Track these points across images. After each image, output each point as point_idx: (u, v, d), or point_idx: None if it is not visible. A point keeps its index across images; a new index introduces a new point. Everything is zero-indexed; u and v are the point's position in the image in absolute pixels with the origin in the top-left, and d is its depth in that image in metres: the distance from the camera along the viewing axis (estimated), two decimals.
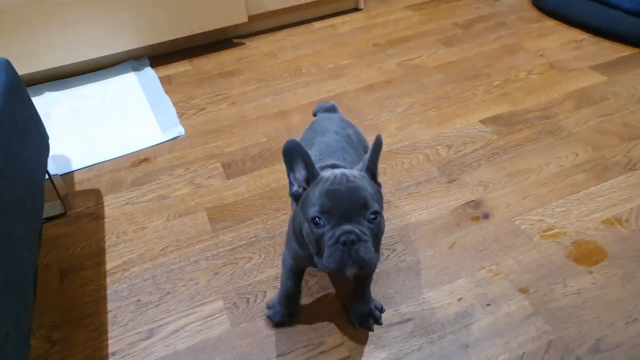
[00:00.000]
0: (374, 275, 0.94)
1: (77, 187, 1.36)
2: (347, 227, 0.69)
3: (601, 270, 0.98)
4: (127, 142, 1.51)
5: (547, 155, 1.28)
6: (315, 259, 0.73)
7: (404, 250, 1.07)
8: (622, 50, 1.69)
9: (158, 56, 2.04)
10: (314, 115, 1.15)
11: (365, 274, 0.87)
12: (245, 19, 1.98)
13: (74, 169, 1.43)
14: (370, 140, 0.83)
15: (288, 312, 0.94)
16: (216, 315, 0.97)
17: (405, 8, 2.23)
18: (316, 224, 0.70)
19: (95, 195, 1.32)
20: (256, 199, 1.25)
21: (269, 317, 0.95)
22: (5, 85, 0.97)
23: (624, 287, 0.94)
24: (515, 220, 1.11)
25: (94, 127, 1.61)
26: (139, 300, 1.02)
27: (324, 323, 0.94)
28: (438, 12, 2.15)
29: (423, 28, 2.02)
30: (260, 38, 2.11)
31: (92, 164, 1.44)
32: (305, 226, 0.74)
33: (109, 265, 1.11)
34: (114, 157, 1.46)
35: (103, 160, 1.45)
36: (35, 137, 1.07)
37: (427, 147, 1.36)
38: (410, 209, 1.17)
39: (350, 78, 1.74)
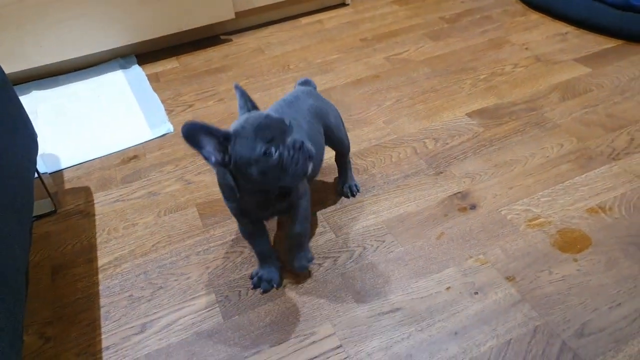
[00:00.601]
0: (365, 266, 0.96)
1: (67, 185, 1.36)
2: (292, 138, 0.81)
3: (586, 257, 1.00)
4: (116, 139, 1.51)
5: (533, 146, 1.30)
6: (284, 181, 0.83)
7: (392, 242, 1.08)
8: (605, 43, 1.72)
9: (145, 54, 2.03)
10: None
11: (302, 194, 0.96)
12: (232, 16, 1.98)
13: (63, 167, 1.42)
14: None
15: (270, 277, 1.00)
16: (208, 309, 0.98)
17: (392, 3, 2.24)
18: (269, 154, 0.79)
19: (85, 193, 1.32)
20: None
21: (257, 287, 1.00)
22: None
23: (607, 273, 0.96)
24: (501, 210, 1.13)
25: (83, 125, 1.61)
26: (131, 296, 1.03)
27: (314, 314, 0.95)
28: (424, 7, 2.16)
29: (410, 22, 2.04)
30: (247, 34, 2.11)
31: (81, 162, 1.44)
32: (256, 167, 0.80)
33: (100, 262, 1.11)
34: (103, 154, 1.46)
35: (92, 158, 1.45)
36: (23, 135, 1.07)
37: (414, 141, 1.38)
38: (399, 201, 1.18)
39: (338, 73, 1.75)
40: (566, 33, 1.82)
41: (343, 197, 1.22)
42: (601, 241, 1.03)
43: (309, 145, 0.83)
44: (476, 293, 0.95)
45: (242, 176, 0.83)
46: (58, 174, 1.40)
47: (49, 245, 1.17)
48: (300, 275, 1.03)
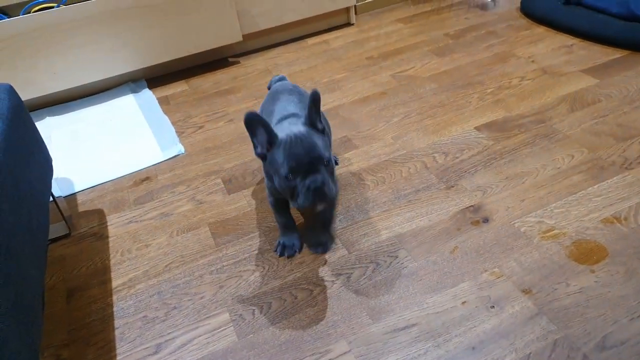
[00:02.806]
0: (368, 267, 0.95)
1: (81, 208, 1.37)
2: (312, 177, 0.89)
3: (603, 268, 0.99)
4: (128, 162, 1.53)
5: (544, 158, 1.30)
6: (291, 202, 0.94)
7: (406, 257, 1.08)
8: (612, 53, 1.73)
9: (155, 78, 2.07)
10: (268, 88, 1.29)
11: (330, 206, 1.12)
12: (240, 38, 2.02)
13: (77, 190, 1.44)
14: None
15: (292, 243, 1.11)
16: (222, 328, 0.98)
17: (396, 21, 2.27)
18: (288, 179, 0.90)
19: (99, 215, 1.34)
20: (257, 212, 1.27)
21: (282, 255, 1.11)
22: (9, 110, 0.99)
23: (626, 284, 0.95)
24: (514, 222, 1.12)
25: (95, 149, 1.63)
26: (145, 316, 1.03)
27: (329, 331, 0.94)
28: (429, 24, 2.19)
29: (415, 40, 2.06)
30: (255, 56, 2.15)
31: (94, 184, 1.45)
32: (277, 179, 0.93)
33: (114, 283, 1.12)
34: (115, 177, 1.48)
35: (105, 180, 1.47)
36: (39, 159, 1.09)
37: (424, 155, 1.38)
38: (411, 216, 1.18)
39: (345, 91, 1.77)
40: (572, 45, 1.83)
41: (354, 212, 1.22)
42: (618, 252, 1.01)
43: (328, 188, 0.90)
44: (492, 307, 0.94)
45: (271, 173, 0.96)
46: (72, 197, 1.42)
47: (64, 268, 1.18)
48: (317, 282, 1.02)
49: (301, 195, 0.90)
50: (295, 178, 0.90)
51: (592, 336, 0.86)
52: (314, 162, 0.89)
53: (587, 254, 1.02)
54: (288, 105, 1.10)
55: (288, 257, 1.11)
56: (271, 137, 0.92)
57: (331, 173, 0.93)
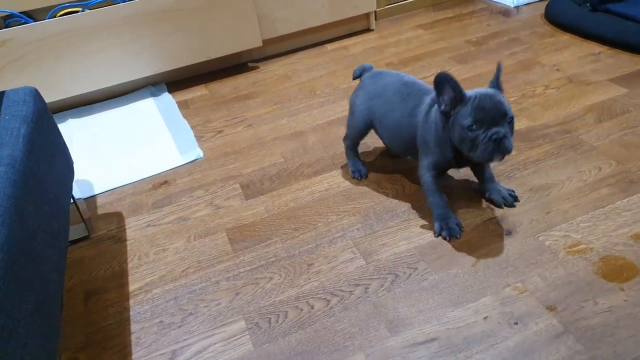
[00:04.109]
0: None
1: (100, 211, 1.38)
2: (495, 129, 0.96)
3: (633, 286, 0.95)
4: (147, 165, 1.54)
5: (569, 169, 1.27)
6: (470, 154, 1.00)
7: (425, 269, 1.05)
8: None
9: (175, 82, 2.08)
10: (357, 78, 1.35)
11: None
12: (260, 44, 2.02)
13: (96, 192, 1.45)
14: None
15: (456, 223, 1.13)
16: (238, 336, 0.97)
17: (417, 27, 2.25)
18: (472, 130, 0.97)
19: (118, 218, 1.34)
20: (275, 219, 1.26)
21: (452, 236, 1.11)
22: (34, 113, 0.99)
23: None
24: (539, 236, 1.09)
25: (115, 151, 1.64)
26: (161, 322, 1.02)
27: (346, 343, 0.92)
28: (450, 30, 2.16)
29: (435, 46, 2.03)
30: (274, 61, 2.14)
31: (114, 187, 1.46)
32: (459, 132, 1.00)
33: (131, 287, 1.12)
34: (135, 180, 1.48)
35: (124, 183, 1.47)
36: (61, 162, 1.10)
37: None
38: (431, 227, 1.16)
39: None
40: (599, 53, 1.79)
41: (372, 222, 1.20)
42: None
43: (508, 141, 0.96)
44: (516, 323, 0.91)
45: (451, 132, 1.03)
46: (91, 200, 1.43)
47: (82, 270, 1.18)
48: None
49: (481, 145, 0.96)
50: (478, 129, 0.96)
51: (622, 358, 0.83)
52: (500, 116, 0.96)
53: (616, 270, 0.99)
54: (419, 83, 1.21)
55: (459, 237, 1.12)
56: (458, 96, 0.99)
57: (512, 132, 0.99)
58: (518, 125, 1.47)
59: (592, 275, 0.98)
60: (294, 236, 1.19)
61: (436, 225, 1.14)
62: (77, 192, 1.44)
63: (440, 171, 1.14)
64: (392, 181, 1.33)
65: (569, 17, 1.97)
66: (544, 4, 2.19)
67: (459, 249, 1.09)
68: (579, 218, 1.12)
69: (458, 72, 1.81)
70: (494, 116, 0.96)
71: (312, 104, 1.77)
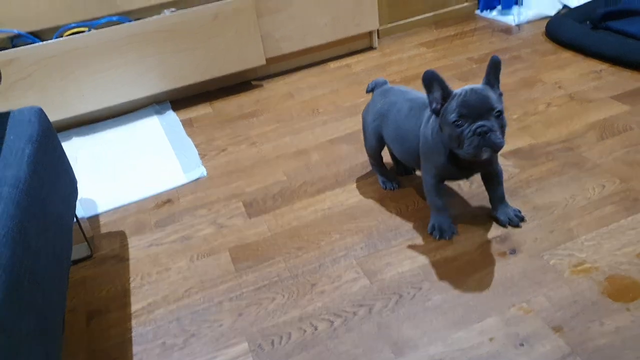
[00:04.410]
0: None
1: (103, 230, 1.38)
2: (479, 122, 0.94)
3: None
4: (151, 184, 1.54)
5: (573, 187, 1.26)
6: (458, 151, 0.99)
7: (430, 289, 1.05)
8: None
9: (180, 100, 2.10)
10: (370, 91, 1.36)
11: (493, 161, 1.12)
12: (264, 62, 2.04)
13: (100, 211, 1.45)
14: None
15: (449, 224, 1.15)
16: (241, 358, 0.96)
17: (419, 45, 2.27)
18: (457, 125, 0.96)
19: (121, 237, 1.34)
20: (278, 238, 1.25)
21: (442, 237, 1.15)
22: (38, 133, 1.00)
23: None
24: (543, 255, 1.08)
25: (119, 170, 1.65)
26: (164, 343, 1.02)
27: None
28: (452, 48, 2.18)
29: (438, 64, 2.05)
30: (277, 80, 2.16)
31: (117, 206, 1.47)
32: (447, 130, 0.99)
33: (134, 308, 1.11)
34: (138, 199, 1.49)
35: (128, 202, 1.48)
36: (65, 181, 1.10)
37: (449, 182, 1.35)
38: (436, 246, 1.15)
39: None
40: (601, 70, 1.79)
41: (376, 241, 1.19)
42: None
43: (494, 135, 0.94)
44: (522, 344, 0.90)
45: (442, 130, 1.02)
46: (95, 219, 1.43)
47: (85, 290, 1.18)
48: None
49: (466, 140, 0.95)
50: (463, 124, 0.95)
51: None
52: (485, 110, 0.95)
53: (622, 290, 0.98)
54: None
55: (449, 239, 1.15)
56: (446, 93, 0.99)
57: (501, 126, 0.97)
58: (520, 143, 1.47)
59: (597, 295, 0.97)
60: (297, 255, 1.19)
61: (430, 224, 1.17)
62: (81, 210, 1.44)
63: (441, 178, 1.14)
64: (396, 199, 1.33)
65: (570, 35, 1.99)
66: (545, 22, 2.21)
67: (463, 268, 1.08)
68: (584, 237, 1.11)
69: None
70: (480, 110, 0.95)
71: (315, 122, 1.78)
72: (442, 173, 1.12)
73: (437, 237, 1.16)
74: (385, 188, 1.37)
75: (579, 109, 1.59)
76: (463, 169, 1.09)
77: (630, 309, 0.93)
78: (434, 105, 1.02)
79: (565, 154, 1.39)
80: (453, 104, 0.97)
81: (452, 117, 0.96)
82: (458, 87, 1.80)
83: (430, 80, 1.00)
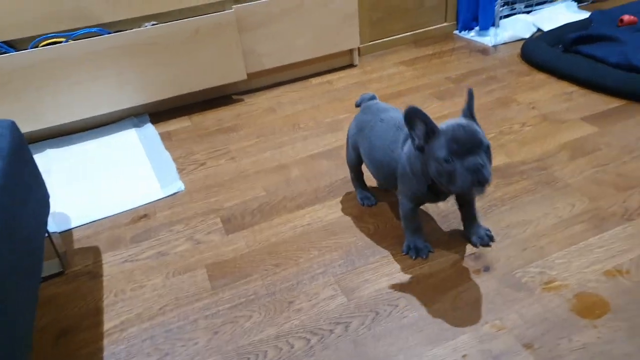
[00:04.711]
0: None
1: (76, 245, 1.36)
2: (472, 158, 0.94)
3: (606, 323, 0.96)
4: (127, 198, 1.53)
5: (545, 206, 1.29)
6: (448, 187, 0.98)
7: (406, 306, 1.05)
8: (610, 102, 1.75)
9: (158, 113, 2.09)
10: (358, 105, 1.37)
11: (472, 199, 1.17)
12: (245, 77, 2.05)
13: (73, 226, 1.43)
14: None
15: (424, 245, 1.17)
16: None
17: (399, 64, 2.31)
18: (447, 161, 0.95)
19: (94, 253, 1.32)
20: (256, 255, 1.25)
21: (419, 256, 1.17)
22: (9, 147, 0.99)
23: (630, 341, 0.92)
24: (516, 273, 1.10)
25: (94, 183, 1.63)
26: None
27: None
28: (430, 67, 2.23)
29: (417, 83, 2.09)
30: (259, 94, 2.17)
31: (91, 220, 1.44)
32: (435, 166, 0.98)
33: (106, 326, 1.09)
34: (113, 213, 1.46)
35: (103, 217, 1.45)
36: (36, 197, 1.08)
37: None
38: (412, 263, 1.16)
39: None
40: (572, 92, 1.85)
41: (354, 257, 1.20)
42: (621, 306, 0.99)
43: (486, 171, 0.94)
44: None
45: (427, 166, 1.01)
46: (68, 233, 1.41)
47: (55, 308, 1.15)
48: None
49: (459, 176, 0.94)
50: (454, 160, 0.94)
51: None
52: (475, 146, 0.94)
53: (589, 307, 1.00)
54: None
55: (425, 258, 1.16)
56: (430, 129, 0.98)
57: (490, 161, 0.97)
58: (496, 161, 1.50)
59: (567, 312, 1.00)
60: (274, 272, 1.18)
61: (405, 245, 1.19)
62: (53, 225, 1.41)
63: (419, 203, 1.15)
64: (374, 215, 1.34)
65: (543, 57, 2.05)
66: (520, 44, 2.28)
67: (438, 285, 1.10)
68: (555, 254, 1.14)
69: (438, 109, 1.85)
70: (470, 146, 0.95)
71: (296, 137, 1.79)
72: (420, 199, 1.12)
73: (414, 257, 1.17)
74: (363, 204, 1.38)
75: (551, 129, 1.63)
76: (442, 194, 1.10)
77: (597, 326, 0.96)
78: (416, 142, 1.01)
79: (538, 173, 1.43)
80: (441, 140, 0.96)
81: (442, 153, 0.95)
82: (437, 107, 1.86)
83: (413, 117, 0.98)
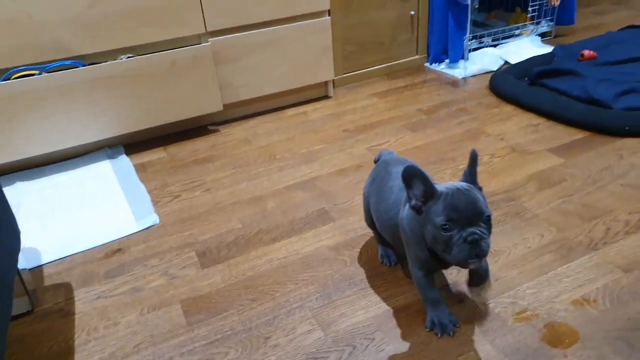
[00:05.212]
0: None
1: (47, 282, 1.32)
2: (471, 229, 0.89)
3: (575, 352, 0.99)
4: (100, 232, 1.50)
5: (515, 236, 1.33)
6: (444, 255, 0.92)
7: (382, 339, 1.06)
8: (574, 134, 1.83)
9: (133, 144, 2.08)
10: (376, 162, 1.31)
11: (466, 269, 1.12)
12: (221, 108, 2.06)
13: (44, 262, 1.40)
14: None
15: (449, 319, 1.07)
16: None
17: (372, 95, 2.37)
18: (445, 229, 0.89)
19: (66, 290, 1.29)
20: (231, 289, 1.24)
21: (447, 333, 1.05)
22: None
23: None
24: (488, 303, 1.13)
25: (67, 217, 1.60)
26: None
27: None
28: (402, 99, 2.29)
29: (389, 114, 2.14)
30: (234, 125, 2.19)
31: (63, 256, 1.41)
32: (432, 231, 0.92)
33: None
34: (86, 248, 1.44)
35: (75, 252, 1.43)
36: (6, 233, 1.06)
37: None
38: (387, 295, 1.18)
39: (323, 163, 1.80)
40: (538, 124, 1.93)
41: (331, 291, 1.21)
42: (589, 335, 1.03)
43: (485, 243, 0.89)
44: None
45: (423, 227, 0.96)
46: (38, 270, 1.37)
47: (22, 350, 1.12)
48: None
49: (456, 247, 0.89)
50: (452, 229, 0.89)
51: None
52: (475, 215, 0.89)
53: (559, 337, 1.03)
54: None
55: (452, 335, 1.06)
56: (429, 190, 0.93)
57: (489, 232, 0.92)
58: None
59: (538, 342, 1.02)
60: (251, 307, 1.18)
61: (428, 320, 1.08)
62: (23, 261, 1.38)
63: (427, 270, 1.05)
64: (351, 247, 1.35)
65: (510, 90, 2.14)
66: (488, 76, 2.37)
67: (414, 317, 1.11)
68: (525, 284, 1.17)
69: (410, 140, 1.90)
70: (469, 215, 0.89)
71: (272, 168, 1.80)
72: (428, 266, 1.04)
73: (440, 334, 1.06)
74: (382, 262, 1.28)
75: (519, 161, 1.70)
76: (443, 262, 1.01)
77: (567, 355, 0.98)
78: (413, 202, 0.96)
79: (507, 203, 1.48)
80: (440, 206, 0.91)
81: (440, 220, 0.90)
82: (409, 138, 1.91)
83: (411, 177, 0.93)
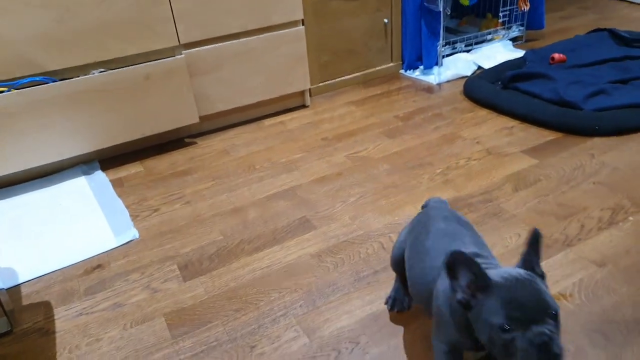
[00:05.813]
0: None
1: (25, 301, 1.29)
2: (538, 329, 0.71)
3: None
4: (78, 249, 1.48)
5: (493, 237, 1.36)
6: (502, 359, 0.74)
7: (367, 342, 1.07)
8: (547, 135, 1.88)
9: (109, 159, 2.05)
10: (423, 207, 1.15)
11: None
12: (197, 120, 2.06)
13: (21, 281, 1.36)
14: None
15: None
16: None
17: (349, 103, 2.39)
18: (505, 331, 0.72)
19: (45, 308, 1.26)
20: (215, 300, 1.23)
21: None
22: None
23: None
24: None
25: (43, 235, 1.57)
26: None
27: None
28: (379, 106, 2.32)
29: (367, 122, 2.17)
30: (212, 137, 2.18)
31: (41, 274, 1.38)
32: (486, 331, 0.75)
33: None
34: (65, 265, 1.41)
35: (53, 269, 1.40)
36: None
37: (380, 235, 1.41)
38: (371, 299, 1.19)
39: (303, 171, 1.81)
40: (512, 127, 1.98)
41: (315, 297, 1.21)
42: (566, 329, 1.05)
43: (557, 346, 0.70)
44: None
45: (474, 325, 0.78)
46: (16, 289, 1.34)
47: None
48: None
49: (521, 352, 0.71)
50: (513, 330, 0.72)
51: None
52: (542, 311, 0.72)
53: None
54: (459, 242, 0.94)
55: None
56: (480, 280, 0.76)
57: (557, 329, 0.74)
58: (445, 195, 1.57)
59: None
60: (235, 318, 1.17)
61: None
62: None
63: (455, 349, 0.90)
64: (333, 254, 1.36)
65: (484, 94, 2.19)
66: (462, 81, 2.42)
67: (398, 321, 1.12)
68: None
69: (388, 147, 1.93)
70: (534, 312, 0.72)
71: (252, 178, 1.80)
72: (457, 345, 0.89)
73: None
74: (386, 302, 1.16)
75: (495, 163, 1.73)
76: (480, 347, 0.84)
77: None
78: (460, 296, 0.78)
79: (485, 205, 1.51)
80: (496, 302, 0.74)
81: (498, 320, 0.73)
82: (387, 145, 1.93)
83: (456, 265, 0.77)
